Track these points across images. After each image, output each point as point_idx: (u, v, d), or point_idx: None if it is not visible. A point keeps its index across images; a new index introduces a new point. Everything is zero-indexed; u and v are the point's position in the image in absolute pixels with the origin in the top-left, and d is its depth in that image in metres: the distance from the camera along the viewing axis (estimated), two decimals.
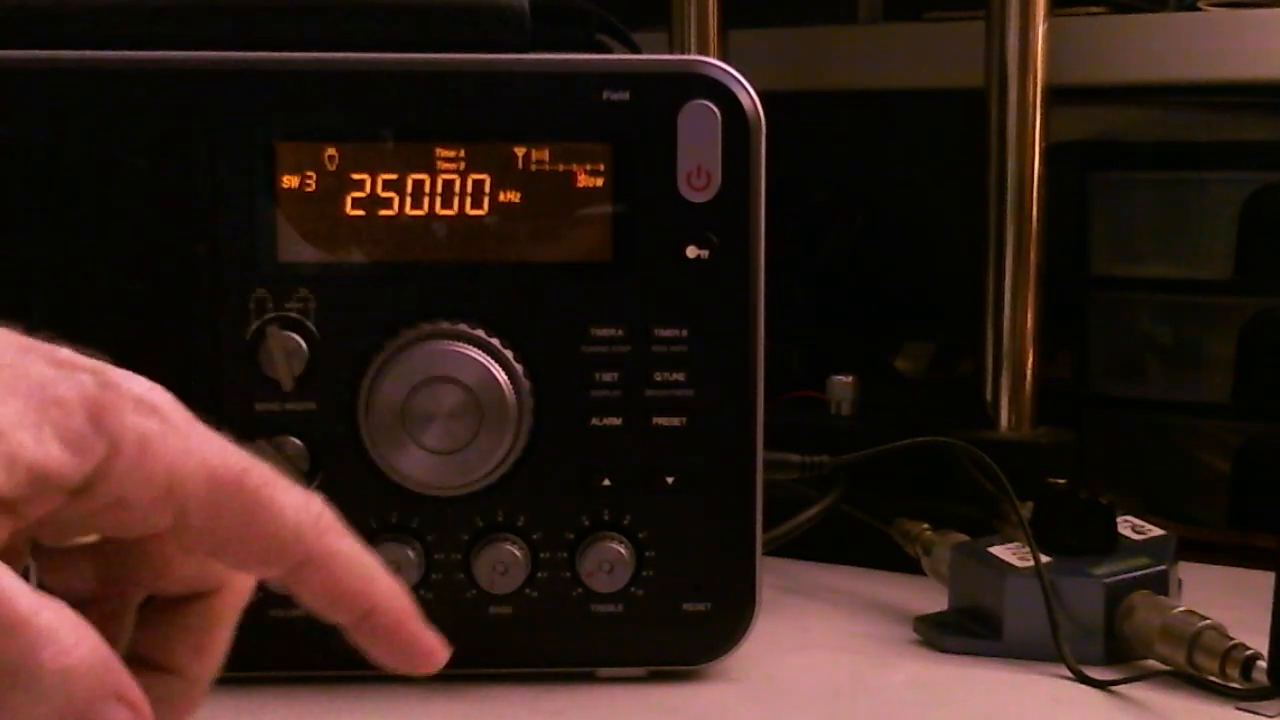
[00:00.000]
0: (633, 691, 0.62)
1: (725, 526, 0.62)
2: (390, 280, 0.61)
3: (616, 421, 0.61)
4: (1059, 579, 0.66)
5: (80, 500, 0.34)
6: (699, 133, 0.60)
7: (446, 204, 0.61)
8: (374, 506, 0.61)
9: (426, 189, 0.60)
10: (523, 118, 0.60)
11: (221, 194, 0.60)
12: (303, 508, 0.35)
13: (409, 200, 0.60)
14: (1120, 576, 0.66)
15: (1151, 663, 0.64)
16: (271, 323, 0.60)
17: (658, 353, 0.61)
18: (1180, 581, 0.71)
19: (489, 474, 0.61)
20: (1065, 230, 0.93)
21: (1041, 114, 0.79)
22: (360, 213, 0.60)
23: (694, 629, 0.63)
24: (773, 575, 0.72)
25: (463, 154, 0.60)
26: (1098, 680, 0.62)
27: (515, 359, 0.60)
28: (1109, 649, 0.65)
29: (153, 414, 0.34)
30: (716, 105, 0.60)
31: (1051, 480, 0.71)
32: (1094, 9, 0.90)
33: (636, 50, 0.74)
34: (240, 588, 0.39)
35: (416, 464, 0.60)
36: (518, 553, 0.61)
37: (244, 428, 0.60)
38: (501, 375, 0.60)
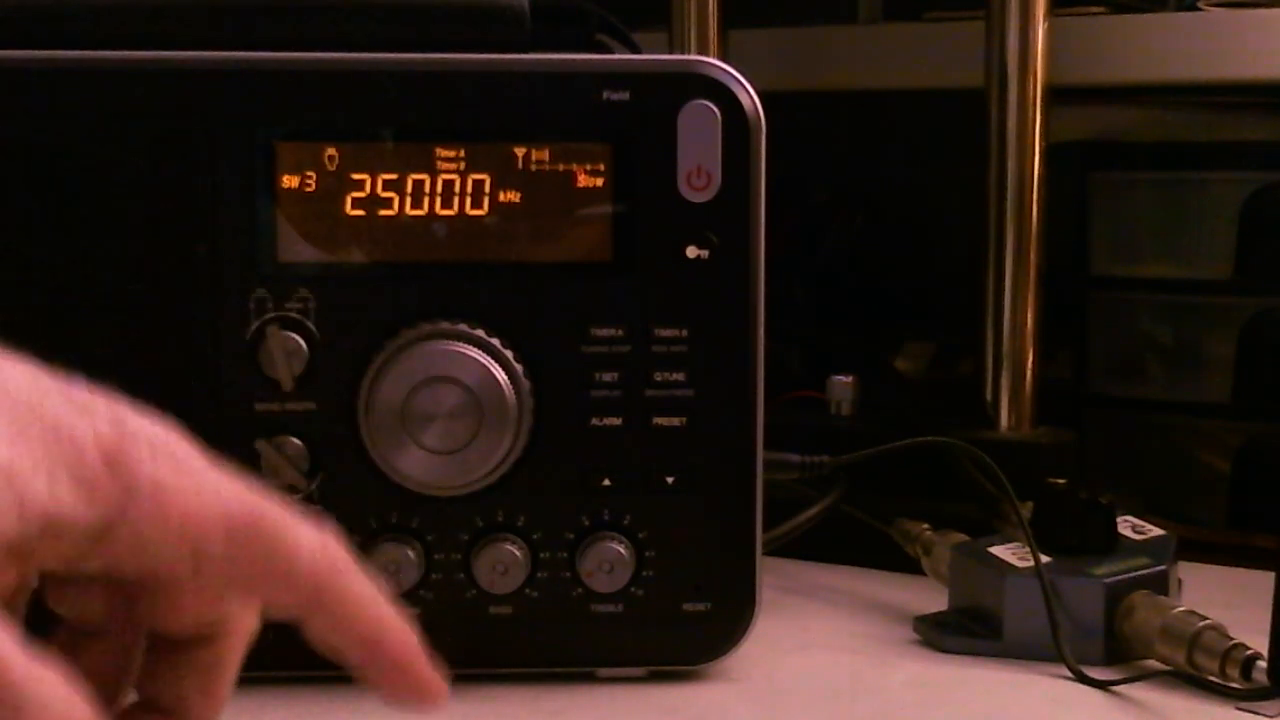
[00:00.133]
0: (633, 691, 0.62)
1: (725, 526, 0.62)
2: (390, 280, 0.61)
3: (616, 421, 0.61)
4: (1059, 579, 0.66)
5: (96, 545, 0.33)
6: (699, 133, 0.60)
7: (446, 204, 0.61)
8: (374, 506, 0.61)
9: (426, 189, 0.60)
10: (523, 118, 0.60)
11: (221, 194, 0.60)
12: (318, 548, 0.35)
13: (409, 200, 0.60)
14: (1120, 576, 0.66)
15: (1151, 663, 0.64)
16: (271, 323, 0.60)
17: (658, 353, 0.61)
18: (1180, 581, 0.71)
19: (489, 474, 0.61)
20: (1065, 230, 0.93)
21: (1041, 114, 0.79)
22: (360, 213, 0.60)
23: (694, 629, 0.63)
24: (773, 575, 0.72)
25: (463, 154, 0.60)
26: (1098, 680, 0.62)
27: (515, 359, 0.60)
28: (1109, 649, 0.65)
29: (169, 457, 0.34)
30: (716, 105, 0.60)
31: (1051, 480, 0.71)
32: (1094, 9, 0.90)
33: (636, 50, 0.73)
34: (245, 630, 0.39)
35: (416, 464, 0.60)
36: (518, 553, 0.61)
37: (244, 428, 0.61)
38: (501, 375, 0.60)
